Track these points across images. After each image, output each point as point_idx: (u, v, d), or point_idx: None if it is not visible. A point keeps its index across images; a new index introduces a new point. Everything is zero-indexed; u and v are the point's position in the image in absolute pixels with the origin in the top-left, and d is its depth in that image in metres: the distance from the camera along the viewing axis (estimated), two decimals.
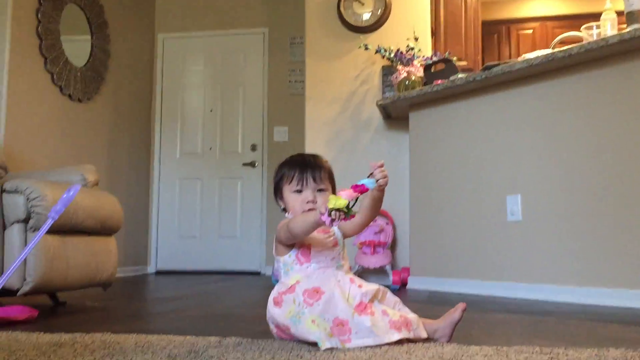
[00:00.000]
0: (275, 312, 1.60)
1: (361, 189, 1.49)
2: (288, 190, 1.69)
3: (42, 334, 1.72)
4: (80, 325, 2.05)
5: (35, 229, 2.38)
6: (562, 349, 1.43)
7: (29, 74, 3.94)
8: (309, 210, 1.62)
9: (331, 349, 1.42)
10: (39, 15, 4.01)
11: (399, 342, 1.52)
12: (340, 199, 1.44)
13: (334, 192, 1.72)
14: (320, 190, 1.68)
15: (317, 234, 1.66)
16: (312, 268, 1.64)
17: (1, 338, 1.66)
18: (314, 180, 1.67)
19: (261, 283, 4.27)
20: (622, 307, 2.51)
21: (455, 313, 1.55)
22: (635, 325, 1.98)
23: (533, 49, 5.86)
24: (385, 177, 1.53)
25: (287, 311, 1.56)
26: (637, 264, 2.58)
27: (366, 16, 4.52)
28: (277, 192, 1.74)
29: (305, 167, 1.67)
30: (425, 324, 1.58)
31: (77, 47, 4.53)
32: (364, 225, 1.72)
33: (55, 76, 4.17)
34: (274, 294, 1.66)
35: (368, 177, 1.52)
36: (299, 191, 1.67)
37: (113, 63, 5.01)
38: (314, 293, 1.53)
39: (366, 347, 1.46)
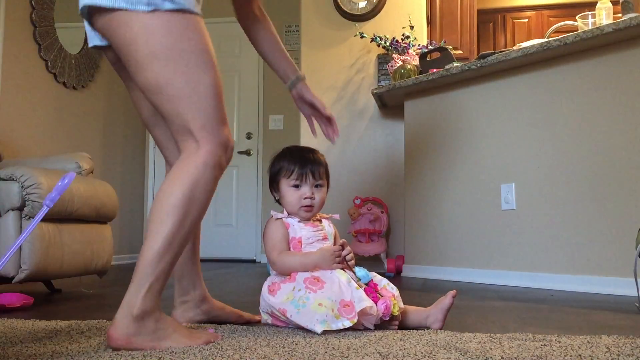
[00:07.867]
0: (271, 300, 1.61)
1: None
2: (286, 184, 1.70)
3: (38, 321, 1.72)
4: (76, 313, 2.05)
5: (30, 216, 2.38)
6: (555, 336, 1.44)
7: (23, 60, 3.91)
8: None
9: (326, 336, 1.43)
10: (33, 2, 3.98)
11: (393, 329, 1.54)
12: None
13: (328, 186, 1.75)
14: (317, 185, 1.69)
15: (305, 227, 1.68)
16: None
17: None
18: (313, 176, 1.68)
19: (256, 270, 4.28)
20: (615, 295, 2.53)
21: (446, 299, 1.57)
22: (627, 312, 2.00)
23: (528, 37, 5.87)
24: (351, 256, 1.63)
25: (285, 297, 1.56)
26: (629, 252, 2.60)
27: (362, 4, 4.50)
28: (273, 183, 1.75)
29: (305, 162, 1.69)
30: (418, 311, 1.62)
31: (71, 35, 4.50)
32: None
33: (49, 63, 4.14)
34: (267, 282, 1.68)
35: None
36: (297, 186, 1.68)
37: None
38: (315, 281, 1.55)
39: (363, 332, 1.49)
